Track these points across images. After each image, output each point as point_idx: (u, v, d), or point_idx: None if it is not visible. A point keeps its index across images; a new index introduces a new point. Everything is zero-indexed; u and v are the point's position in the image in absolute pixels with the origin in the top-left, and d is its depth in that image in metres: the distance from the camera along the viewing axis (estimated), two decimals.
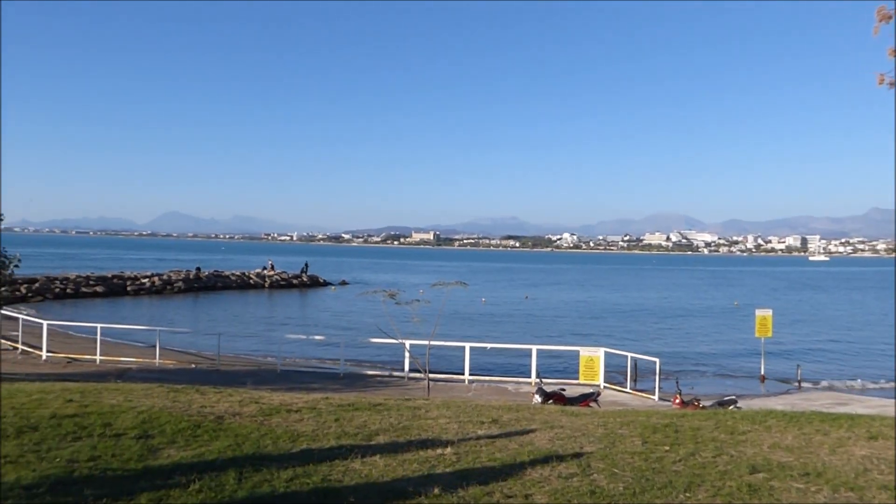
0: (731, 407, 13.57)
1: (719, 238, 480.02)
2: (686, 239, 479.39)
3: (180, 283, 52.95)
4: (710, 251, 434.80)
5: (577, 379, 19.89)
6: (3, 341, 24.12)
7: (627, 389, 19.57)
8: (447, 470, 6.49)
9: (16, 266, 19.12)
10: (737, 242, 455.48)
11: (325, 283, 65.06)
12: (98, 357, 21.71)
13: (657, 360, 19.19)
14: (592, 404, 14.11)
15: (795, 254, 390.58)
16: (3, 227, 17.56)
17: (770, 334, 24.36)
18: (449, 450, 7.15)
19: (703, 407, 14.19)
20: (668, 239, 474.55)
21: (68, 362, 21.48)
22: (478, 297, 54.47)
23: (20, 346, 23.40)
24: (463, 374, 20.68)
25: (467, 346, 20.95)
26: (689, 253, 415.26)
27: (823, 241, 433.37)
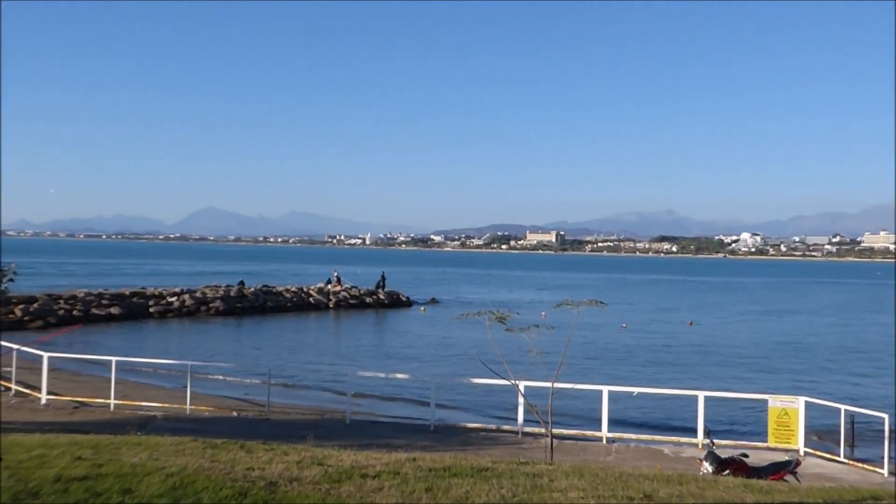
0: None
1: None
2: None
3: (218, 303, 54.83)
4: None
5: (765, 441, 19.26)
6: None
7: (841, 458, 18.75)
8: None
9: (10, 280, 19.83)
10: None
11: (410, 302, 66.25)
12: (113, 401, 22.58)
13: (886, 416, 18.26)
14: (789, 478, 13.62)
15: None
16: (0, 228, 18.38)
17: None
18: None
19: None
20: None
21: (75, 407, 22.44)
22: (618, 321, 54.09)
23: (13, 387, 24.40)
24: (599, 428, 20.41)
25: (606, 389, 20.68)
26: None
27: None
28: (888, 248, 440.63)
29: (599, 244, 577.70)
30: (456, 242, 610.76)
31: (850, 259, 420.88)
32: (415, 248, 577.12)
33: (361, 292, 64.12)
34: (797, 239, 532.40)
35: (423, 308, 63.07)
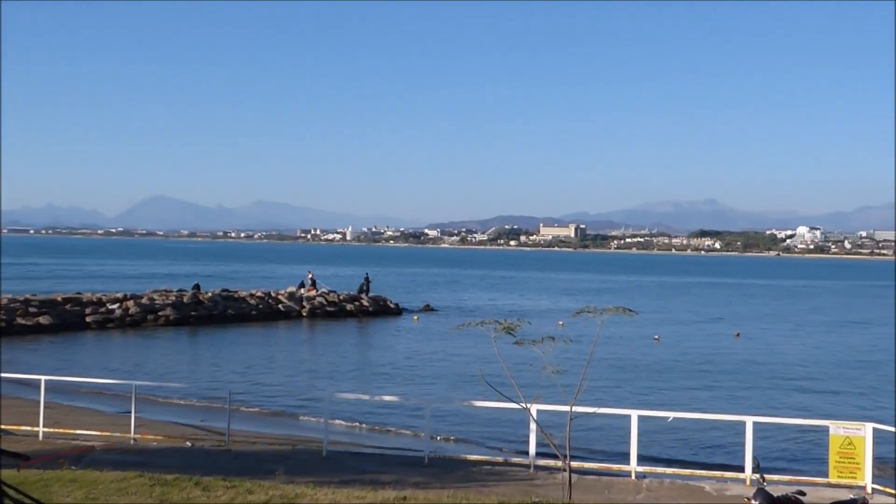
0: None
1: None
2: None
3: (169, 311, 54.76)
4: None
5: (826, 475, 19.28)
6: None
7: None
8: None
9: None
10: None
11: (399, 310, 66.38)
12: (42, 429, 22.48)
13: None
14: None
15: None
16: None
17: None
18: None
19: None
20: None
21: None
22: (651, 333, 54.18)
23: None
24: (627, 461, 20.40)
25: (635, 414, 20.67)
26: None
27: None
28: None
29: (627, 240, 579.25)
30: (454, 238, 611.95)
31: None
32: (405, 244, 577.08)
33: (341, 298, 64.18)
34: (863, 234, 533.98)
35: (415, 317, 63.13)
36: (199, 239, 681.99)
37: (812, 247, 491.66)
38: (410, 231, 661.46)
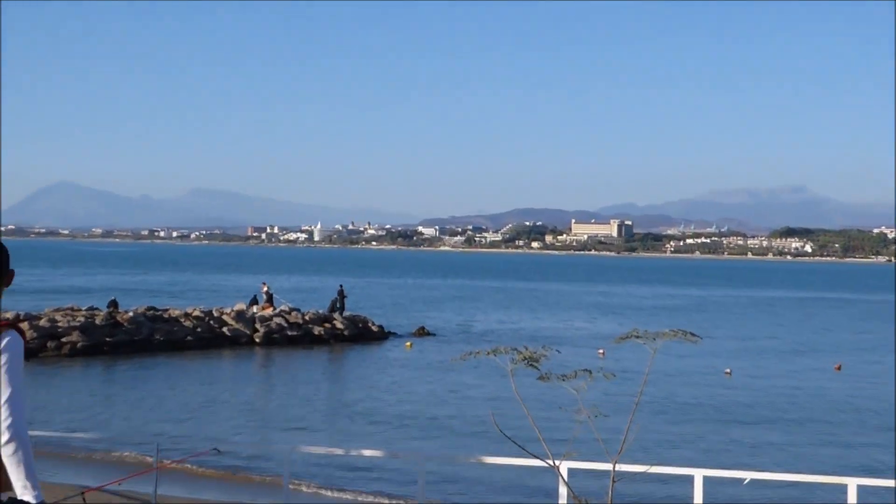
0: None
1: None
2: None
3: (76, 337, 54.49)
4: None
5: None
6: None
7: None
8: None
9: None
10: None
11: (385, 333, 66.60)
12: None
13: None
14: None
15: None
16: None
17: None
18: None
19: None
20: None
21: None
22: (720, 365, 54.19)
23: None
24: None
25: (699, 474, 20.57)
26: None
27: None
28: None
29: (687, 240, 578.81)
30: (458, 238, 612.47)
31: None
32: (392, 246, 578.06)
33: (306, 318, 64.20)
34: None
35: (407, 343, 62.97)
36: (118, 239, 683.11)
37: None
38: (399, 229, 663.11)
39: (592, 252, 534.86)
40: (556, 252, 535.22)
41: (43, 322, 55.45)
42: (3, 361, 5.51)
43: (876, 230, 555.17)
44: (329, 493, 26.38)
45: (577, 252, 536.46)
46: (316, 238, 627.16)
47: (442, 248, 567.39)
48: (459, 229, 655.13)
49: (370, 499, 26.33)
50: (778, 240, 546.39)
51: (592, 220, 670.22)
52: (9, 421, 5.45)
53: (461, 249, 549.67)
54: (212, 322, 60.91)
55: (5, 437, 5.45)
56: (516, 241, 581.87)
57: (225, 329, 60.44)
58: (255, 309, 63.83)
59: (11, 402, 5.50)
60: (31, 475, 5.52)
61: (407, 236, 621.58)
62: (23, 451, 5.51)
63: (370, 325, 66.60)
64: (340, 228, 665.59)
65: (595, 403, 14.79)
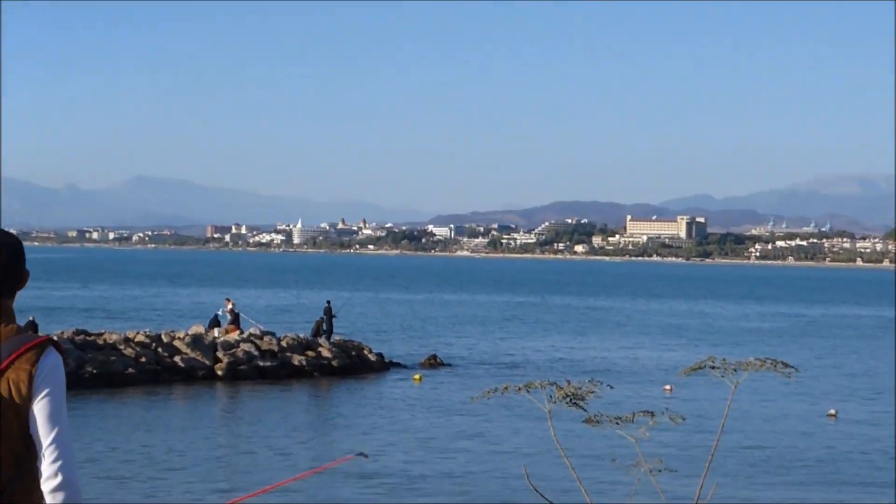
0: None
1: None
2: None
3: None
4: None
5: None
6: None
7: None
8: None
9: None
10: None
11: (387, 364, 66.61)
12: None
13: None
14: None
15: None
16: None
17: None
18: None
19: None
20: None
21: None
22: (822, 405, 54.10)
23: None
24: None
25: None
26: None
27: None
28: None
29: (778, 243, 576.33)
30: (479, 240, 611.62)
31: None
32: (395, 250, 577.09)
33: (284, 344, 64.13)
34: None
35: (416, 377, 62.82)
36: (37, 242, 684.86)
37: None
38: (404, 228, 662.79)
39: (654, 258, 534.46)
40: (606, 258, 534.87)
41: None
42: (44, 393, 5.22)
43: None
44: None
45: (634, 258, 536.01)
46: (296, 240, 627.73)
47: (459, 252, 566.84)
48: (481, 228, 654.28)
49: None
50: None
51: (654, 217, 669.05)
52: (58, 465, 5.18)
53: (484, 254, 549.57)
54: (160, 350, 60.82)
55: (53, 483, 5.17)
56: (555, 244, 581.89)
57: (177, 359, 60.29)
58: (216, 332, 63.76)
59: (60, 444, 5.24)
60: None
61: (414, 238, 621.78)
62: (74, 502, 5.24)
63: (366, 352, 66.39)
64: (327, 228, 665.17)
65: (657, 454, 14.84)
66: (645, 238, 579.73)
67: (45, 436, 5.21)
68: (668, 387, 54.92)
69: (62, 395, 5.29)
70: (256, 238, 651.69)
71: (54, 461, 5.18)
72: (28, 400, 5.14)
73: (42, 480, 5.18)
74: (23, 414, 5.16)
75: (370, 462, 40.02)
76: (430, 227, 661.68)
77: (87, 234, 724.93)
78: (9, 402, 5.11)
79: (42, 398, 5.18)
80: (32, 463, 5.22)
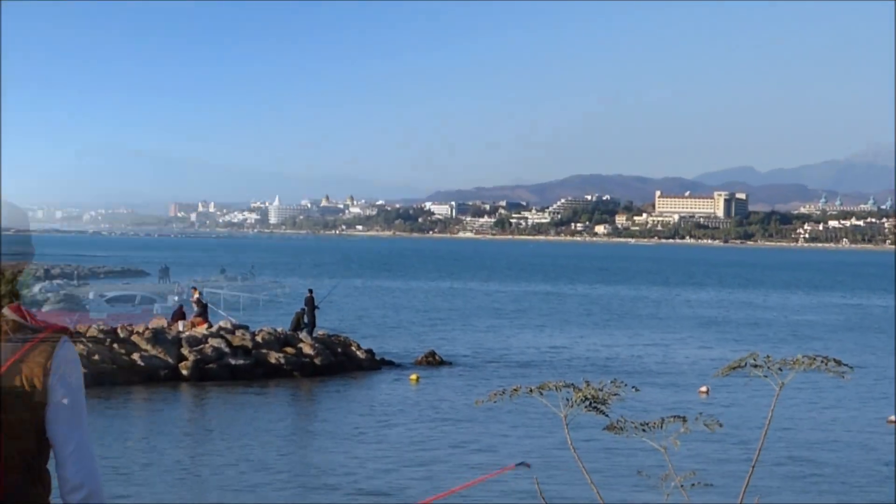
0: None
1: None
2: None
3: None
4: None
5: None
6: None
7: None
8: None
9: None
10: None
11: (378, 362, 67.03)
12: None
13: None
14: None
15: None
16: None
17: None
18: None
19: None
20: None
21: None
22: (882, 410, 54.29)
23: None
24: None
25: None
26: None
27: None
28: None
29: (830, 223, 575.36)
30: (485, 220, 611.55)
31: None
32: (388, 232, 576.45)
33: (259, 339, 64.33)
34: None
35: (413, 377, 63.14)
36: None
37: None
38: (398, 206, 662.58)
39: (688, 240, 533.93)
40: (632, 240, 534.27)
41: None
42: (61, 390, 5.17)
43: None
44: None
45: (664, 241, 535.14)
46: (272, 220, 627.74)
47: (462, 234, 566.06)
48: (487, 206, 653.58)
49: None
50: None
51: (687, 193, 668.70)
52: (82, 472, 5.22)
53: (490, 236, 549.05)
54: (116, 346, 61.02)
55: (79, 495, 5.19)
56: (572, 224, 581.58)
57: (136, 356, 60.46)
58: (180, 326, 63.94)
59: (81, 449, 5.26)
60: None
61: (410, 217, 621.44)
62: None
63: (354, 349, 66.65)
64: (309, 205, 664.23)
65: (691, 465, 15.02)
66: (676, 217, 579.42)
67: (64, 439, 5.24)
68: (703, 389, 55.16)
69: (81, 393, 5.32)
70: (227, 217, 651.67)
71: (78, 471, 5.23)
72: (43, 395, 5.15)
73: (64, 491, 5.22)
74: (38, 412, 5.17)
75: (360, 478, 40.33)
76: (429, 205, 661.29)
77: (30, 214, 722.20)
78: (21, 399, 5.11)
79: (60, 396, 5.19)
80: (42, 466, 5.27)
